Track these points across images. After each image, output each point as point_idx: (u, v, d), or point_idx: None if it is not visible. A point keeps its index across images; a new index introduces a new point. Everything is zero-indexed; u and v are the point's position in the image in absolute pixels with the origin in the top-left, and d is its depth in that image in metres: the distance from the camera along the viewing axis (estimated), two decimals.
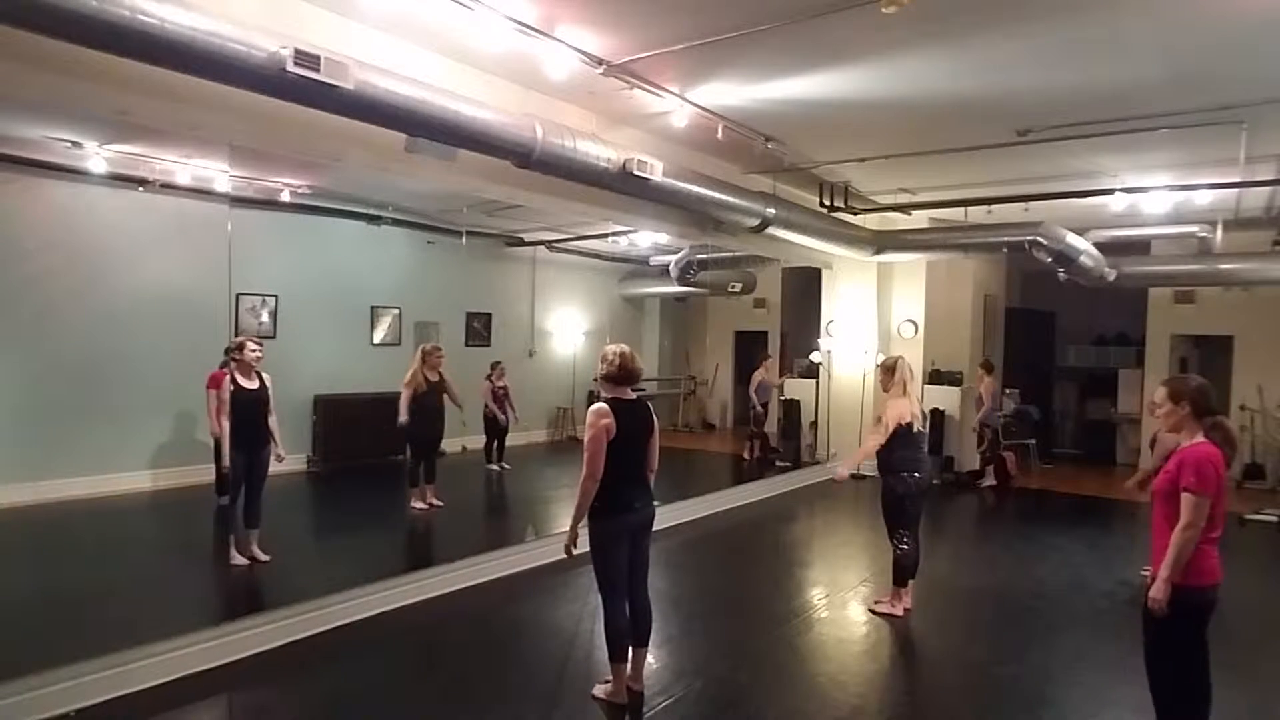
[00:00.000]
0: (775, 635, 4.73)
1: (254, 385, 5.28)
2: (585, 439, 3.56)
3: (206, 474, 6.71)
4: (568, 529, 3.65)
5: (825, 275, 10.43)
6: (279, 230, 7.96)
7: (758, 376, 10.45)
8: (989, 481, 9.53)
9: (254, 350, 5.28)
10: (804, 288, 11.51)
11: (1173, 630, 2.96)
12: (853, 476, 9.68)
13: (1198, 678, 3.00)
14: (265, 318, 7.99)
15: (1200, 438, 2.94)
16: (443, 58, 4.95)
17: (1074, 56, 4.76)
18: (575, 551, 3.65)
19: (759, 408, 10.40)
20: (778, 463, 10.26)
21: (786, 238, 7.82)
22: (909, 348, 9.72)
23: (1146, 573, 3.08)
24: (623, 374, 3.66)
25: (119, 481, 7.05)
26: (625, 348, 3.72)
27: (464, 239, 8.98)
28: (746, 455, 10.49)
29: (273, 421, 5.39)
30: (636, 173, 5.36)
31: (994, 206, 7.86)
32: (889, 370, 5.04)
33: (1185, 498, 2.85)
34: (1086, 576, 6.02)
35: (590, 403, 3.68)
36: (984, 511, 8.75)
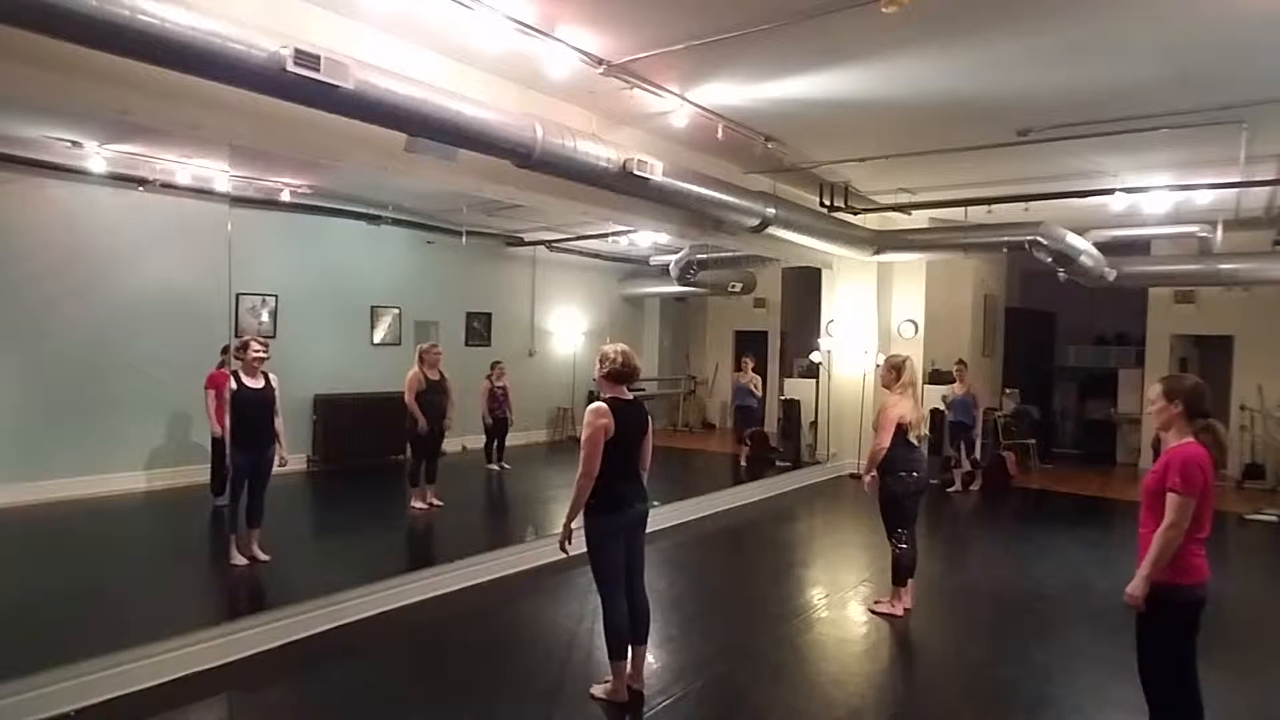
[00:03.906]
0: (775, 635, 4.74)
1: (259, 385, 5.28)
2: (583, 437, 3.57)
3: (205, 474, 6.72)
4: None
5: (825, 275, 10.43)
6: (279, 230, 7.95)
7: (733, 379, 10.45)
8: (955, 486, 9.30)
9: (258, 350, 5.28)
10: (804, 288, 11.52)
11: (1162, 629, 2.96)
12: (852, 476, 9.76)
13: (1189, 680, 2.99)
14: (265, 317, 7.99)
15: (1189, 438, 2.94)
16: (443, 58, 4.95)
17: (1074, 56, 4.76)
18: (570, 548, 3.67)
19: (735, 411, 10.35)
20: (778, 463, 10.25)
21: (786, 238, 7.82)
22: (909, 348, 9.71)
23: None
24: (623, 373, 3.67)
25: (118, 481, 7.04)
26: (624, 347, 3.73)
27: (464, 239, 8.97)
28: (743, 461, 10.30)
29: (278, 423, 5.38)
30: (636, 173, 5.36)
31: (994, 206, 7.87)
32: (896, 369, 4.95)
33: (1170, 498, 2.85)
34: (1086, 576, 6.02)
35: (590, 402, 3.68)
36: (984, 511, 8.74)
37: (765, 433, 10.76)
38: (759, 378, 10.47)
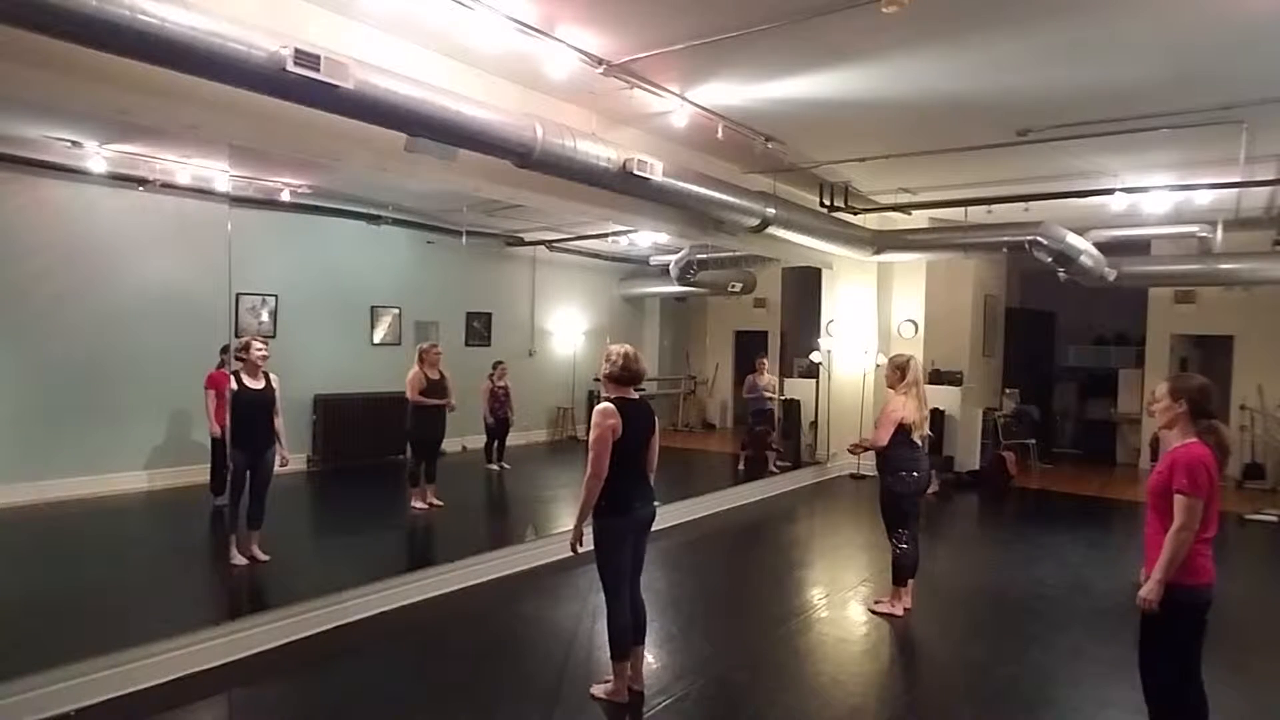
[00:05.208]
0: (775, 635, 4.74)
1: (260, 385, 5.28)
2: (591, 438, 3.56)
3: (205, 474, 6.71)
4: (571, 528, 3.66)
5: (825, 275, 10.43)
6: (279, 230, 7.95)
7: (749, 380, 10.03)
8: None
9: (259, 350, 5.29)
10: (804, 288, 11.50)
11: (1169, 630, 2.95)
12: (852, 476, 9.76)
13: (1193, 683, 2.99)
14: (265, 317, 7.99)
15: (1192, 438, 2.93)
16: (443, 58, 4.95)
17: (1074, 56, 4.76)
18: (581, 548, 3.66)
19: (749, 415, 9.93)
20: (778, 462, 10.24)
21: (786, 238, 7.82)
22: (909, 348, 9.67)
23: (1143, 578, 3.08)
24: (628, 374, 3.66)
25: (118, 481, 7.03)
26: (629, 347, 3.71)
27: (464, 239, 8.97)
28: (742, 466, 9.95)
29: (279, 423, 5.38)
30: (637, 172, 5.35)
31: (994, 206, 7.87)
32: (900, 369, 4.94)
33: (1178, 499, 2.85)
34: (1086, 576, 6.02)
35: (591, 403, 3.69)
36: (984, 512, 8.74)
37: (765, 433, 10.71)
38: (774, 379, 10.12)
